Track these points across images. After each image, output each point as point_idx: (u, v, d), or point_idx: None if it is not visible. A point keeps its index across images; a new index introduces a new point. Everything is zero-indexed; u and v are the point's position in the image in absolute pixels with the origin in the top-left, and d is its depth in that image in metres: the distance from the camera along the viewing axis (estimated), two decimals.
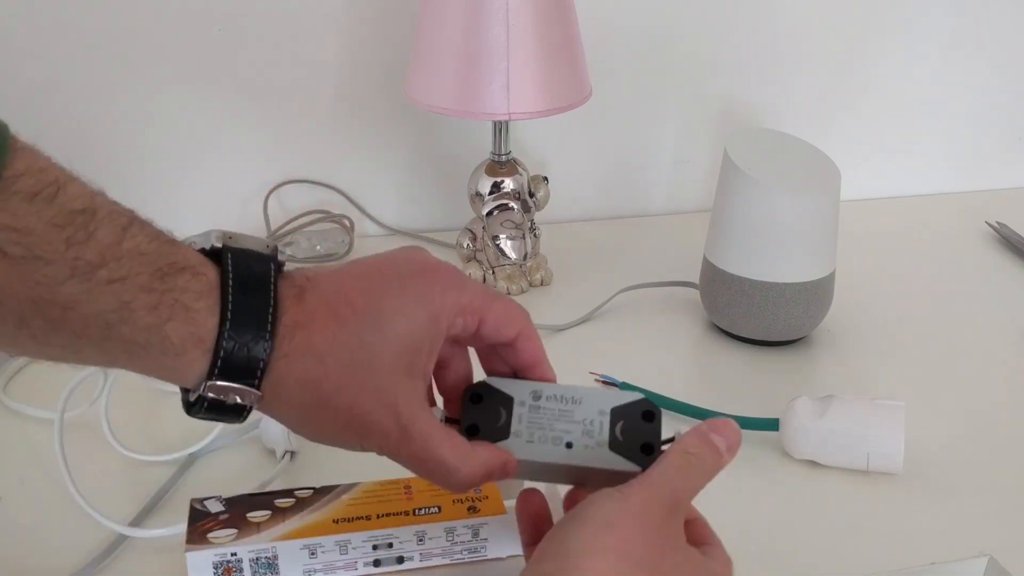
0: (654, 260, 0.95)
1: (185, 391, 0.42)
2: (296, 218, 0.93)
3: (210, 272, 0.41)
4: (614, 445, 0.46)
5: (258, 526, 0.52)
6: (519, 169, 0.90)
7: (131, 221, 0.40)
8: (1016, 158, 1.20)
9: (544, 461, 0.46)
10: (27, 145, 0.39)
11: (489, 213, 0.89)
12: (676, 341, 0.82)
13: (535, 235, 0.92)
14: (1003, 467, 0.66)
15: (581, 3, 0.87)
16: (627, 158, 1.07)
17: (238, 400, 0.41)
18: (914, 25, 1.09)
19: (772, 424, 0.66)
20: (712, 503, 0.63)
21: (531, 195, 0.90)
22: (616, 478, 0.45)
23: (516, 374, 0.49)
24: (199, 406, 0.41)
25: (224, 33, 0.92)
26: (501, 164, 0.90)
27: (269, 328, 0.40)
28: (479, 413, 0.47)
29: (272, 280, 0.41)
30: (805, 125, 1.07)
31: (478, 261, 0.92)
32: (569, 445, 0.46)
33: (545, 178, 0.91)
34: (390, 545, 0.54)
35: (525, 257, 0.91)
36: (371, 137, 0.99)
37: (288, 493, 0.55)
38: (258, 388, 0.41)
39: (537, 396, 0.47)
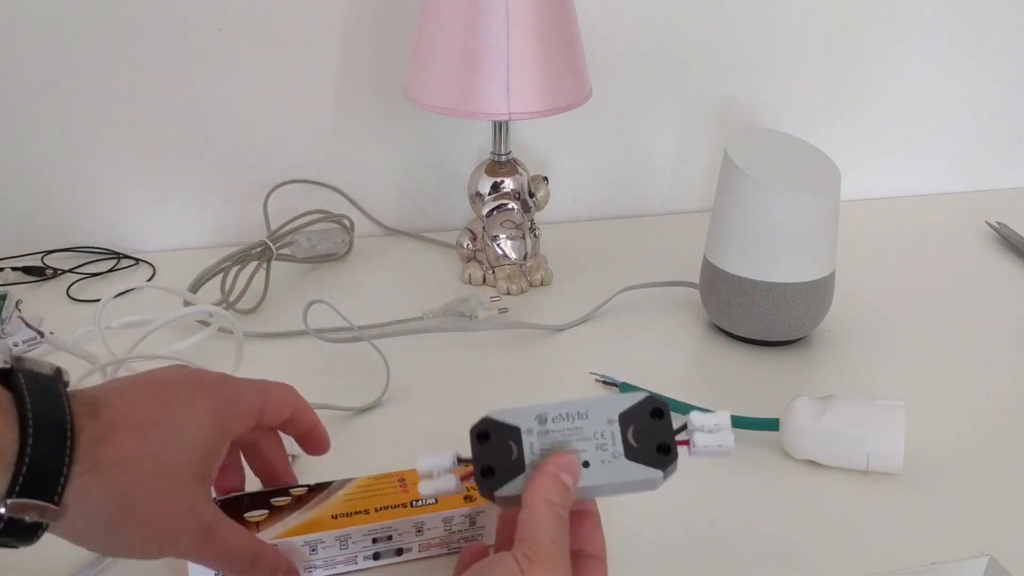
0: (654, 260, 0.95)
1: None
2: (296, 218, 0.93)
3: (2, 392, 0.42)
4: (630, 453, 0.46)
5: (257, 525, 0.52)
6: (519, 169, 0.90)
7: None
8: (1016, 158, 1.20)
9: None
10: None
11: (489, 213, 0.89)
12: (676, 341, 0.82)
13: (535, 235, 0.92)
14: (1003, 467, 0.66)
15: (581, 3, 0.87)
16: (627, 158, 1.07)
17: (36, 517, 0.41)
18: (914, 25, 1.09)
19: (772, 424, 0.66)
20: (712, 503, 0.63)
21: (531, 195, 0.90)
22: (638, 486, 0.46)
23: (300, 444, 0.54)
24: None
25: (225, 32, 0.92)
26: (501, 164, 0.90)
27: (69, 443, 0.42)
28: (490, 452, 0.46)
29: (65, 398, 0.43)
30: (805, 125, 1.07)
31: (478, 261, 0.92)
32: (586, 464, 0.46)
33: (545, 178, 0.91)
34: (389, 538, 0.54)
35: (525, 257, 0.91)
36: (371, 137, 0.99)
37: (284, 492, 0.55)
38: (57, 504, 0.41)
39: (543, 420, 0.47)
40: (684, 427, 0.47)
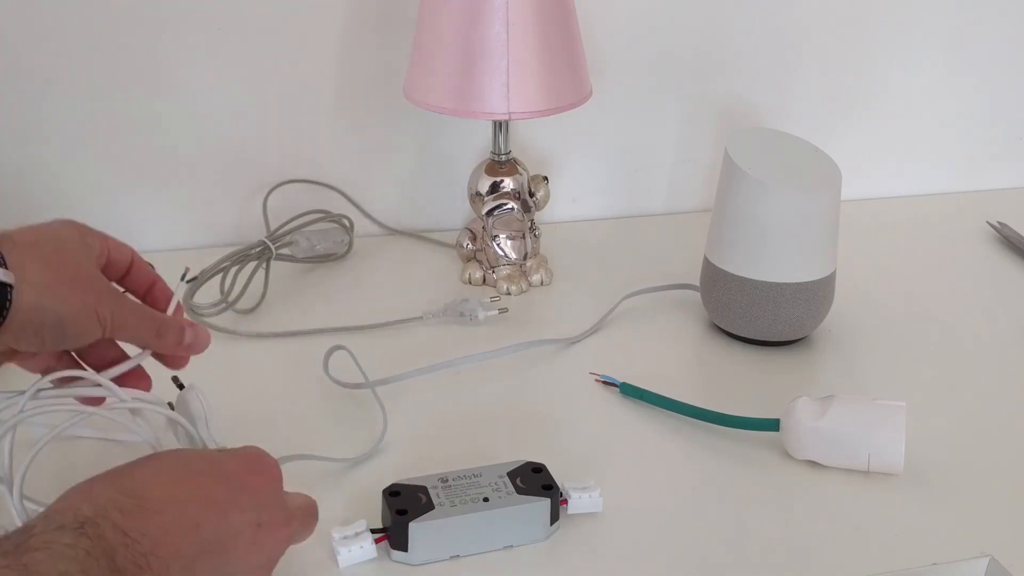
0: (654, 260, 0.95)
1: None
2: (296, 217, 0.93)
3: None
4: (520, 491, 0.57)
5: None
6: (519, 169, 0.90)
7: None
8: (1017, 158, 1.20)
9: (470, 515, 0.55)
10: None
11: (489, 213, 0.89)
12: (676, 341, 0.82)
13: (535, 235, 0.92)
14: (1004, 467, 0.66)
15: (581, 2, 0.87)
16: (627, 158, 1.07)
17: (3, 279, 0.49)
18: (915, 25, 1.09)
19: (773, 424, 0.66)
20: (713, 503, 0.63)
21: (531, 195, 0.90)
22: (526, 515, 0.56)
23: (144, 301, 0.60)
24: None
25: (224, 32, 0.91)
26: (501, 164, 0.89)
27: None
28: (402, 501, 0.56)
29: None
30: (806, 125, 1.07)
31: (478, 261, 0.92)
32: (486, 500, 0.56)
33: (545, 178, 0.91)
34: None
35: (525, 257, 0.91)
36: (371, 137, 0.99)
37: None
38: (6, 267, 0.50)
39: (444, 480, 0.57)
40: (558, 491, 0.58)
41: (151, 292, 0.60)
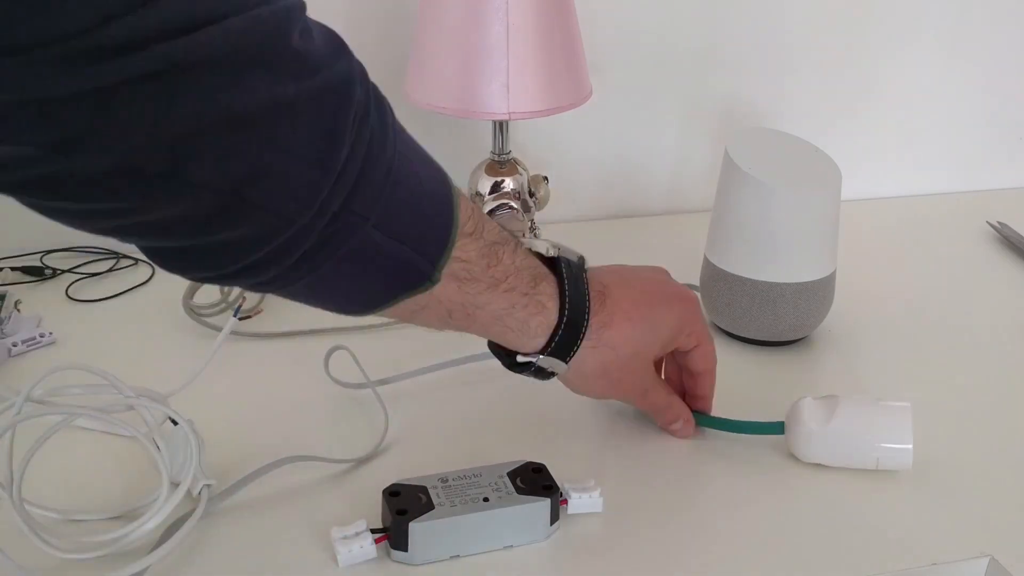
0: (654, 260, 0.94)
1: (510, 356, 0.60)
2: None
3: (551, 280, 0.59)
4: (520, 491, 0.57)
5: None
6: (519, 169, 0.90)
7: (516, 244, 0.57)
8: (1017, 158, 1.20)
9: (470, 514, 0.55)
10: (458, 191, 0.54)
11: (490, 213, 0.89)
12: None
13: (535, 235, 0.92)
14: (1004, 467, 0.66)
15: (581, 2, 0.87)
16: (627, 157, 1.07)
17: (550, 368, 0.60)
18: (915, 25, 1.09)
19: (777, 428, 0.65)
20: (712, 503, 0.63)
21: (531, 195, 0.90)
22: (526, 515, 0.57)
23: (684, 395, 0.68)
24: (525, 368, 0.60)
25: None
26: (501, 164, 0.89)
27: (584, 327, 0.59)
28: (402, 501, 0.56)
29: (586, 285, 0.60)
30: (806, 125, 1.07)
31: None
32: (486, 499, 0.56)
33: (545, 178, 0.91)
34: None
35: None
36: None
37: None
38: (566, 362, 0.60)
39: (444, 480, 0.58)
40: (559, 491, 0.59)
41: (694, 377, 0.67)
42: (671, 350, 0.65)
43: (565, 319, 0.58)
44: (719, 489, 0.64)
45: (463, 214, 0.53)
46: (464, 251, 0.53)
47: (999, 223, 1.05)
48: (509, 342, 0.59)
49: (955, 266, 0.98)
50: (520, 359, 0.60)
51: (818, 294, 0.78)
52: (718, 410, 0.69)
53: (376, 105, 0.49)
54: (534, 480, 0.58)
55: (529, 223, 0.91)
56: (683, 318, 0.64)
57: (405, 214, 0.50)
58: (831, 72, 1.09)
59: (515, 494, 0.57)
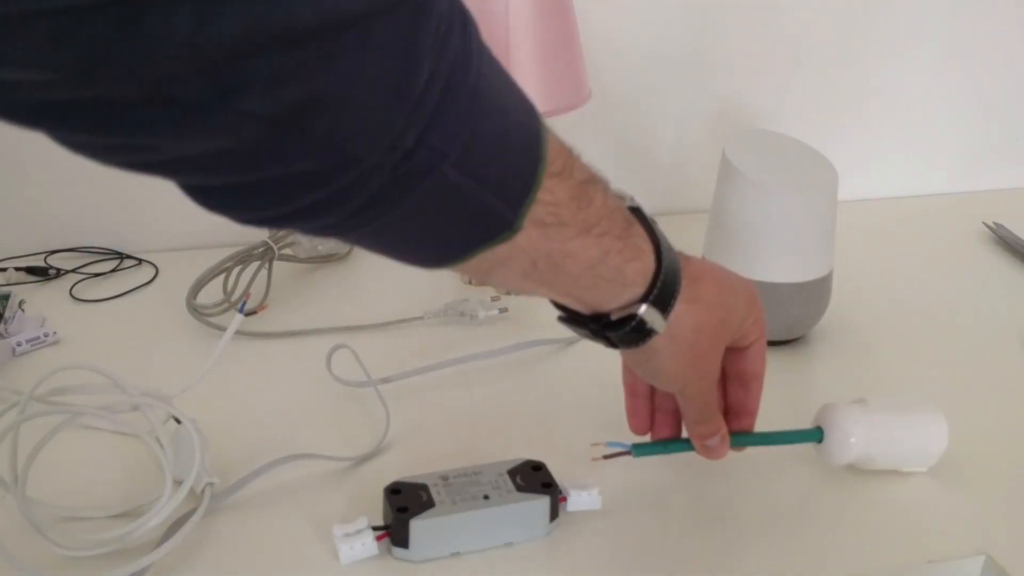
0: None
1: (597, 321, 0.53)
2: None
3: (639, 225, 0.52)
4: (520, 489, 0.58)
5: None
6: None
7: (606, 184, 0.51)
8: (1014, 159, 1.20)
9: (470, 512, 0.55)
10: (547, 127, 0.46)
11: None
12: None
13: None
14: (1001, 466, 0.67)
15: (580, 4, 0.87)
16: (626, 159, 1.07)
17: (652, 324, 0.52)
18: (912, 25, 1.09)
19: (815, 435, 0.63)
20: (711, 501, 0.63)
21: None
22: (526, 512, 0.57)
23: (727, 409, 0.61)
24: (620, 326, 0.52)
25: None
26: None
27: (680, 274, 0.53)
28: (403, 499, 0.56)
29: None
30: (803, 126, 1.08)
31: None
32: (486, 497, 0.57)
33: None
34: None
35: None
36: None
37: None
38: (666, 317, 0.52)
39: (445, 478, 0.58)
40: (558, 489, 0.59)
41: (745, 383, 0.61)
42: (737, 339, 0.59)
43: (663, 264, 0.52)
44: (718, 488, 0.64)
45: (551, 151, 0.45)
46: (551, 193, 0.45)
47: (995, 224, 1.05)
48: (600, 296, 0.51)
49: (951, 267, 0.99)
50: (615, 316, 0.52)
51: (815, 294, 0.79)
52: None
53: (460, 17, 0.41)
54: (533, 478, 0.59)
55: None
56: (752, 299, 0.59)
57: (489, 150, 0.43)
58: (828, 74, 1.09)
59: (515, 492, 0.57)
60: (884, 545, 0.59)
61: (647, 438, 0.63)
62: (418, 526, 0.55)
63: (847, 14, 1.07)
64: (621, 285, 0.51)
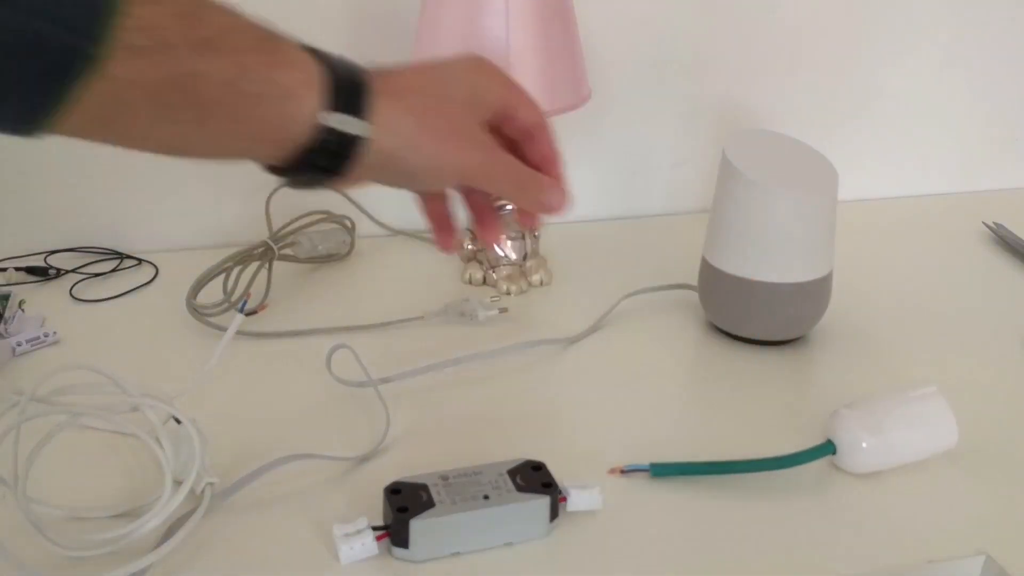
0: (653, 261, 0.96)
1: (298, 157, 0.48)
2: (298, 218, 0.93)
3: (291, 43, 0.48)
4: (520, 489, 0.58)
5: None
6: None
7: (235, 9, 0.46)
8: (1013, 159, 1.20)
9: (470, 512, 0.55)
10: None
11: None
12: (675, 341, 0.83)
13: (535, 236, 0.92)
14: (1000, 466, 0.67)
15: (580, 4, 0.87)
16: (626, 159, 1.08)
17: (354, 130, 0.47)
18: (913, 26, 1.10)
19: (828, 449, 0.64)
20: (711, 501, 0.63)
21: None
22: (526, 512, 0.57)
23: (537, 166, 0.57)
24: (319, 152, 0.47)
25: None
26: None
27: (362, 73, 0.48)
28: (403, 499, 0.56)
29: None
30: (803, 126, 1.08)
31: (478, 261, 0.92)
32: (486, 497, 0.57)
33: None
34: None
35: (525, 257, 0.91)
36: None
37: None
38: (365, 119, 0.47)
39: (445, 478, 0.58)
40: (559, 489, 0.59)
41: (534, 142, 0.57)
42: (497, 109, 0.54)
43: (334, 65, 0.48)
44: (718, 488, 0.64)
45: None
46: (140, 18, 0.41)
47: (995, 224, 1.05)
48: (265, 117, 0.46)
49: (951, 267, 0.99)
50: (309, 141, 0.47)
51: (815, 294, 0.79)
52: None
53: None
54: (533, 478, 0.59)
55: None
56: (478, 64, 0.54)
57: None
58: (829, 74, 1.09)
59: (515, 492, 0.57)
60: (884, 545, 0.59)
61: (664, 458, 0.64)
62: (418, 526, 0.55)
63: (847, 14, 1.07)
64: (281, 98, 0.46)
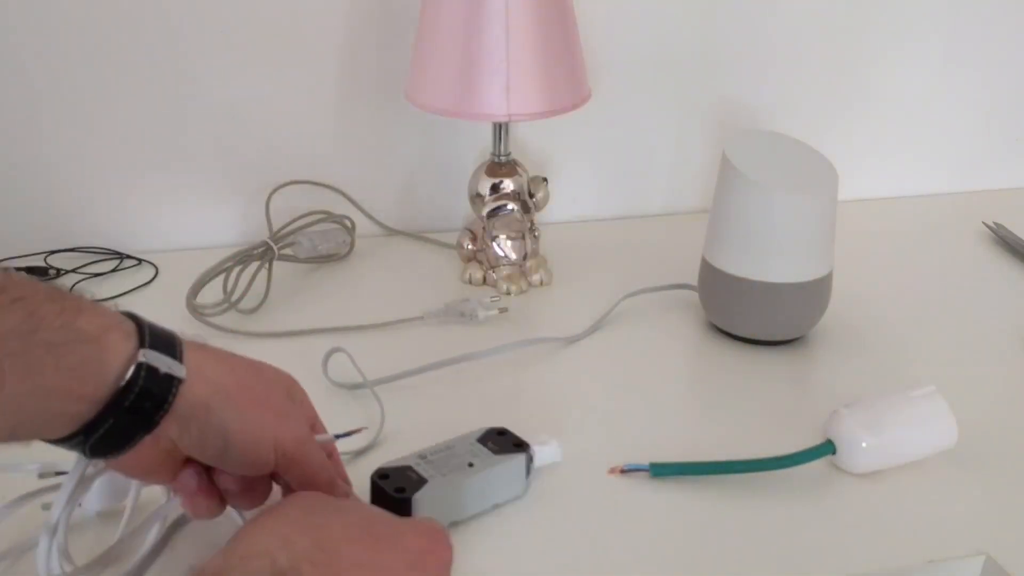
0: (653, 260, 0.96)
1: (87, 433, 0.44)
2: (298, 218, 0.93)
3: (91, 302, 0.45)
4: (496, 451, 0.61)
5: None
6: (519, 170, 0.91)
7: (17, 277, 0.44)
8: (1013, 159, 1.20)
9: (464, 480, 0.58)
10: None
11: (489, 214, 0.90)
12: (675, 341, 0.83)
13: (535, 235, 0.92)
14: (1001, 465, 0.67)
15: (580, 4, 0.87)
16: (626, 159, 1.08)
17: (168, 369, 0.45)
18: (912, 25, 1.09)
19: (828, 449, 0.64)
20: (712, 503, 0.63)
21: (531, 196, 0.91)
22: (508, 472, 0.60)
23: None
24: (130, 391, 0.44)
25: (227, 35, 0.92)
26: (501, 165, 0.90)
27: (178, 336, 0.47)
28: (395, 481, 0.58)
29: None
30: (803, 126, 1.08)
31: (478, 261, 0.92)
32: (471, 464, 0.59)
33: (545, 179, 0.91)
34: None
35: (525, 257, 0.91)
36: (372, 138, 1.00)
37: None
38: (181, 360, 0.46)
39: (423, 456, 0.60)
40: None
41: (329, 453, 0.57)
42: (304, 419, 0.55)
43: (143, 321, 0.46)
44: (717, 488, 0.64)
45: None
46: None
47: (995, 224, 1.05)
48: (75, 368, 0.43)
49: (951, 267, 0.99)
50: (122, 382, 0.44)
51: (815, 294, 0.79)
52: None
53: None
54: (503, 441, 0.62)
55: (529, 224, 0.91)
56: (295, 381, 0.55)
57: None
58: (828, 74, 1.09)
59: (493, 455, 0.60)
60: (884, 545, 0.59)
61: (664, 457, 0.64)
62: (420, 501, 0.56)
63: (847, 14, 1.07)
64: (86, 342, 0.43)
